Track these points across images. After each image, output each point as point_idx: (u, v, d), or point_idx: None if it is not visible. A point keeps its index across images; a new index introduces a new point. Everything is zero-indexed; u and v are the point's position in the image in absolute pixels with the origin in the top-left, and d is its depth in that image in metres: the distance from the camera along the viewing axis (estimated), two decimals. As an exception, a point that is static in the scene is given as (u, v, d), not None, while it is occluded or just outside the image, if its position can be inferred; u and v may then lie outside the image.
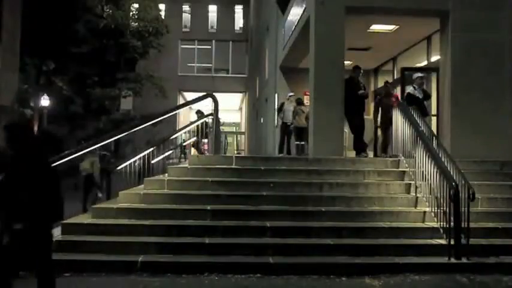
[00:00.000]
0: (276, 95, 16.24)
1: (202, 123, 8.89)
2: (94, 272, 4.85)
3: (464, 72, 8.87)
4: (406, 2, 9.11)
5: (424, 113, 8.58)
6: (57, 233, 5.59)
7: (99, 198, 7.07)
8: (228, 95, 29.92)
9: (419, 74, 9.09)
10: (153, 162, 7.73)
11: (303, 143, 11.67)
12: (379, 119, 9.92)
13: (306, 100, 12.29)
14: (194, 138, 9.02)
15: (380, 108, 9.87)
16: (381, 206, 6.45)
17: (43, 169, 3.61)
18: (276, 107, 14.62)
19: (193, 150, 10.38)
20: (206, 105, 8.57)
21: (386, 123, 9.24)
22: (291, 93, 12.95)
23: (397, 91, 10.86)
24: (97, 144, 6.61)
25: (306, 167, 7.45)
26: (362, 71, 9.70)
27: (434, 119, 9.91)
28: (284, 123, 12.42)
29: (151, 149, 7.88)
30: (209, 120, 8.76)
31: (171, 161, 9.21)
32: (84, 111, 22.51)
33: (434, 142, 6.87)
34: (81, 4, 20.91)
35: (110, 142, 8.50)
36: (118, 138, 8.95)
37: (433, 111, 10.04)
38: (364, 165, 7.55)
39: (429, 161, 6.18)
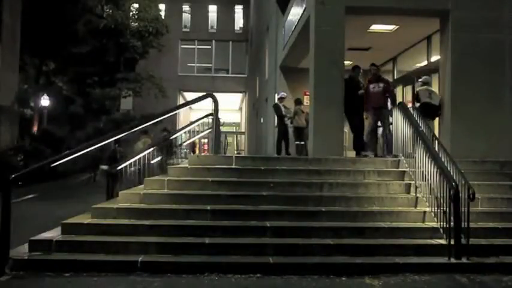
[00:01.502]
0: (276, 95, 16.24)
1: (167, 141, 8.83)
2: (94, 272, 4.84)
3: (464, 72, 8.88)
4: (406, 2, 9.12)
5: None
6: (57, 232, 5.61)
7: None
8: (228, 95, 29.94)
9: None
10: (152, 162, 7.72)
11: (302, 143, 11.68)
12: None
13: (306, 100, 12.29)
14: (159, 158, 8.90)
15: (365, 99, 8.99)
16: (381, 206, 6.44)
17: None
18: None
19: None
20: (206, 105, 8.54)
21: (376, 115, 8.86)
22: (282, 94, 12.70)
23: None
24: (96, 144, 6.59)
25: (306, 167, 7.44)
26: (362, 71, 9.70)
27: (434, 119, 9.92)
28: (283, 123, 12.37)
29: (151, 149, 7.89)
30: (209, 119, 8.73)
31: (170, 161, 9.21)
32: (84, 111, 22.54)
33: (435, 142, 6.87)
34: (81, 4, 20.95)
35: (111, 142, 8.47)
36: (118, 138, 8.91)
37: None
38: (364, 165, 7.54)
39: (429, 161, 6.18)
